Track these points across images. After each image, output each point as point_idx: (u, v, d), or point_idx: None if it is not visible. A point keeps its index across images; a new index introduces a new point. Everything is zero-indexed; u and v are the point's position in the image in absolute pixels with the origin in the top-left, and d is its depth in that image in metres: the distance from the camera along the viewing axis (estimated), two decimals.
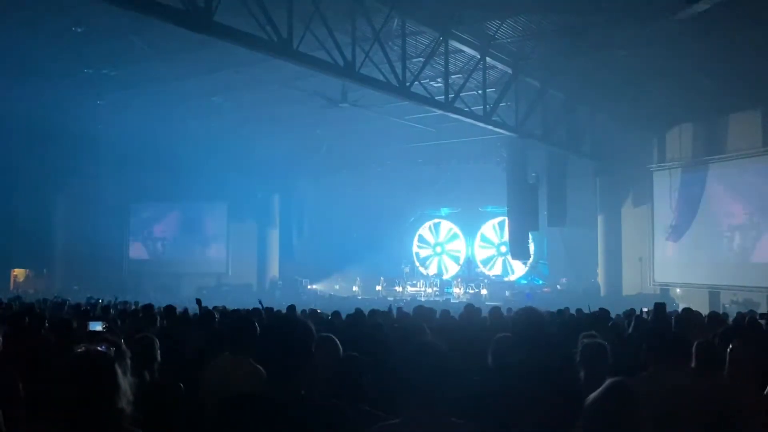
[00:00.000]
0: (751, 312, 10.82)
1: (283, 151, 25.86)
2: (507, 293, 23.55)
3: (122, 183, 25.53)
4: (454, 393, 2.54)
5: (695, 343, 4.09)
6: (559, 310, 10.65)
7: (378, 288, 26.52)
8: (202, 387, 4.24)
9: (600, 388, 2.46)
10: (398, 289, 26.37)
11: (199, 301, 9.21)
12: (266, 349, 2.56)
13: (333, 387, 3.38)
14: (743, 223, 19.47)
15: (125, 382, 2.30)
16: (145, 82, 18.16)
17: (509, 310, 10.75)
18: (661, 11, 12.97)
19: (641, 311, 9.82)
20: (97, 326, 6.79)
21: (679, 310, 12.64)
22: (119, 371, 2.30)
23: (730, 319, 9.22)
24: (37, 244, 25.08)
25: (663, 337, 4.19)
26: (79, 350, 2.33)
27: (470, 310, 9.57)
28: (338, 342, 3.82)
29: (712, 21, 13.03)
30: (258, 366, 3.77)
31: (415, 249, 29.58)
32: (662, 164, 21.79)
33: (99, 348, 2.42)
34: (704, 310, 10.74)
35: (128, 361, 3.64)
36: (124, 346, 3.75)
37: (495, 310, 9.12)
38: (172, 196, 27.79)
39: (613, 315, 9.04)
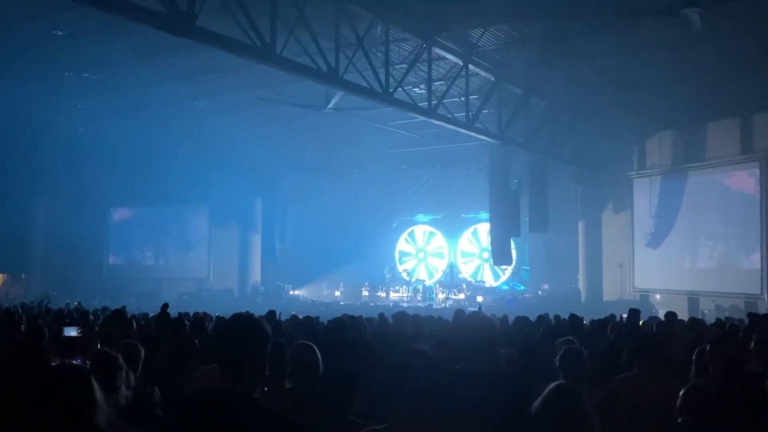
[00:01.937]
0: (729, 319, 10.99)
1: (267, 156, 25.79)
2: (479, 298, 23.53)
3: (103, 187, 25.30)
4: (444, 399, 2.55)
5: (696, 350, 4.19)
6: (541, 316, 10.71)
7: (364, 293, 26.46)
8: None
9: (545, 391, 2.49)
10: (381, 294, 26.35)
11: (165, 306, 8.94)
12: (218, 351, 2.54)
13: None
14: (721, 230, 19.72)
15: (102, 397, 2.25)
16: (127, 86, 18.05)
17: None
18: (643, 20, 13.12)
19: (620, 317, 9.92)
20: (72, 332, 6.72)
21: (659, 315, 12.82)
22: (96, 386, 2.24)
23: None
24: (16, 248, 24.76)
25: (650, 342, 4.26)
26: (55, 364, 2.26)
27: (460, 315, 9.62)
28: (317, 351, 3.82)
29: (692, 31, 13.22)
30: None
31: (397, 254, 29.56)
32: (642, 171, 22.03)
33: (74, 362, 2.37)
34: (684, 316, 10.86)
35: (124, 374, 3.61)
36: (121, 360, 3.70)
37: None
38: (154, 200, 27.57)
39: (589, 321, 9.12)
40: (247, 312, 2.89)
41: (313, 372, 3.78)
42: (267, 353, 2.44)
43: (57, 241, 25.27)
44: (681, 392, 3.18)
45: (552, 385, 2.52)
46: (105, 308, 13.58)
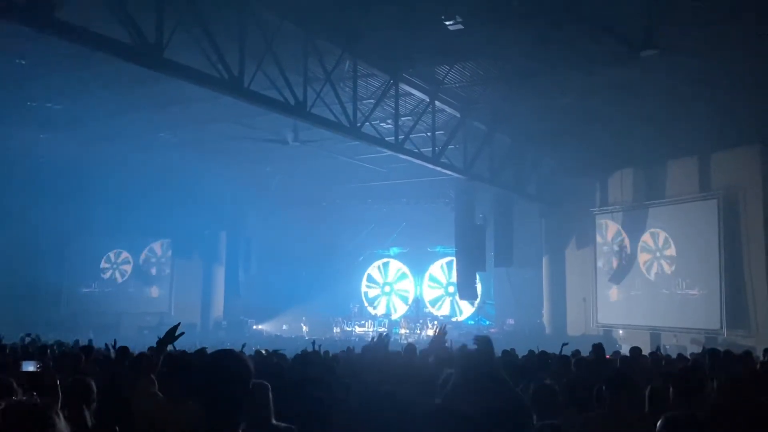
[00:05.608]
0: (693, 354, 11.16)
1: (232, 188, 25.61)
2: (429, 332, 23.54)
3: (63, 217, 24.74)
4: None
5: (649, 388, 4.18)
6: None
7: (336, 330, 26.18)
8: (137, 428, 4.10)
9: None
10: (347, 329, 26.13)
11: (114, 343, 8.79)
12: (201, 388, 2.46)
13: None
14: (681, 265, 20.08)
15: None
16: (90, 116, 17.80)
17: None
18: (603, 60, 13.49)
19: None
20: (30, 366, 6.52)
21: (622, 351, 12.94)
22: (58, 424, 2.10)
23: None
24: None
25: (622, 378, 4.26)
26: (12, 402, 2.12)
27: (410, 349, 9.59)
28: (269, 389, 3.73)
29: (650, 72, 13.62)
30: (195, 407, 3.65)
31: (363, 288, 29.45)
32: (604, 208, 22.43)
33: (34, 399, 2.22)
34: (646, 352, 10.97)
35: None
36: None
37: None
38: (115, 232, 27.05)
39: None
40: (230, 349, 2.81)
41: (265, 411, 3.70)
42: (249, 390, 2.36)
43: (15, 272, 24.53)
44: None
45: (538, 424, 2.50)
46: (60, 342, 13.19)
